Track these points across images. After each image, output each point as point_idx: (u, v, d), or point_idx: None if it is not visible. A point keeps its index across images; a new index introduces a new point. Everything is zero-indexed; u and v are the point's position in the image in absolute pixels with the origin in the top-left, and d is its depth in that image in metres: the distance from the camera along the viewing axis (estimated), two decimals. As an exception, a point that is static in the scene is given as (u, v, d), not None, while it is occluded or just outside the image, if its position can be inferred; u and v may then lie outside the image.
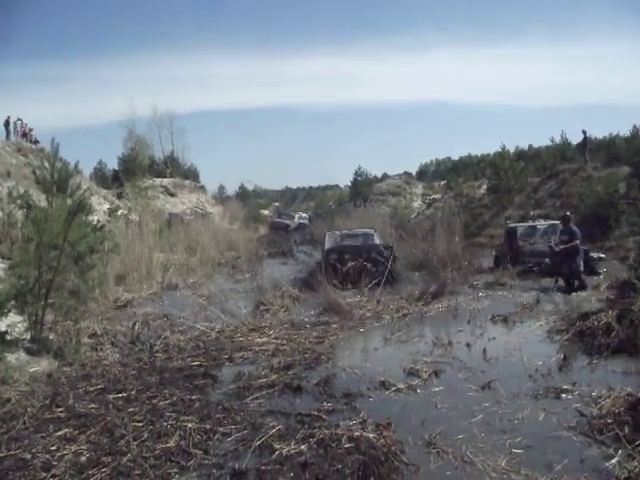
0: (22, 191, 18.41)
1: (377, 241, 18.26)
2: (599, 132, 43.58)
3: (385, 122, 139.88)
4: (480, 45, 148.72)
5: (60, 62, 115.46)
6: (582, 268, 13.53)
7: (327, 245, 18.30)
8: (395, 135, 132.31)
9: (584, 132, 30.23)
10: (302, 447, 5.18)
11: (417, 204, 44.03)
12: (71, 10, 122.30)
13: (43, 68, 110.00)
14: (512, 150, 40.97)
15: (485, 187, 36.76)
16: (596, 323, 8.85)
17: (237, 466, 4.87)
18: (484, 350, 8.52)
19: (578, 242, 13.46)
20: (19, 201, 17.79)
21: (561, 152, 34.66)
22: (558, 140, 35.93)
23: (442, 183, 41.86)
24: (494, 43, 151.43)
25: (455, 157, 61.86)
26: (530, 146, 47.03)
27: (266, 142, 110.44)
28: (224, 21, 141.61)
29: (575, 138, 32.67)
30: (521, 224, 20.58)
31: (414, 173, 61.90)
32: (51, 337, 8.71)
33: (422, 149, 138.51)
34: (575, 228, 13.90)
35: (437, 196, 38.75)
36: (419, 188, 50.54)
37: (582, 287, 13.15)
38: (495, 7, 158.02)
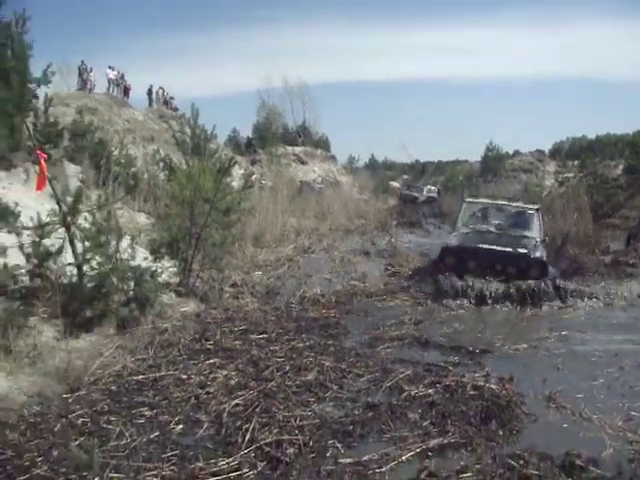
0: (164, 154, 19.57)
1: (538, 240, 11.75)
2: None
3: (517, 98, 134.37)
4: (623, 18, 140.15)
5: (197, 33, 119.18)
6: None
7: (452, 239, 12.10)
8: (528, 111, 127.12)
9: None
10: (429, 390, 5.52)
11: (549, 182, 42.73)
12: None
13: (183, 39, 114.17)
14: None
15: (622, 167, 35.20)
16: None
17: (370, 400, 5.25)
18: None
19: None
20: (162, 163, 18.98)
21: None
22: None
23: (576, 162, 40.45)
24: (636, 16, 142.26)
25: (592, 136, 59.33)
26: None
27: (396, 115, 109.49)
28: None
29: None
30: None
31: (547, 151, 60.04)
32: (197, 284, 9.40)
33: (556, 126, 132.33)
34: None
35: (570, 175, 37.49)
36: (552, 166, 49.17)
37: None
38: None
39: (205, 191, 9.41)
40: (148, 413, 4.85)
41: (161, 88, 37.37)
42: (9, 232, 6.67)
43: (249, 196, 16.16)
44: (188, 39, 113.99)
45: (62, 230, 6.89)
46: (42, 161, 6.74)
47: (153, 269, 7.79)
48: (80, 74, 31.69)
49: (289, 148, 42.61)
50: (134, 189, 15.29)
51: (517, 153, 58.45)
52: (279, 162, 35.31)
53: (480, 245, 11.18)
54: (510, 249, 10.91)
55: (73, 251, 6.89)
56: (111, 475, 3.78)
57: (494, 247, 10.98)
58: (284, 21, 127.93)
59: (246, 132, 45.36)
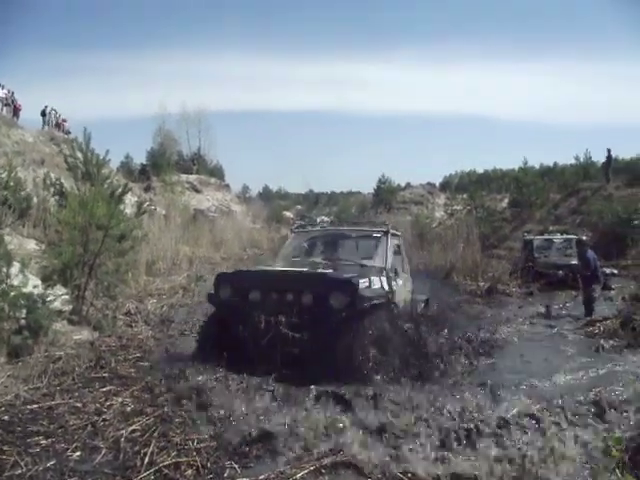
0: (55, 179, 19.14)
1: (382, 269, 8.66)
2: (626, 153, 43.28)
3: (409, 131, 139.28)
4: (511, 59, 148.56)
5: (97, 54, 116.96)
6: (597, 295, 12.74)
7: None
8: (420, 145, 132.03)
9: (609, 150, 30.56)
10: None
11: (439, 214, 44.36)
12: (108, 2, 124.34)
13: (78, 59, 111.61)
14: (537, 166, 41.57)
15: (507, 201, 37.26)
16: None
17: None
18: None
19: (589, 272, 12.56)
20: (53, 188, 18.55)
21: (584, 170, 35.06)
22: (582, 158, 36.27)
23: (465, 195, 42.23)
24: (525, 57, 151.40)
25: (480, 170, 62.22)
26: (555, 164, 47.49)
27: (290, 145, 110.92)
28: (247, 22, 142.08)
29: (601, 157, 32.85)
30: (538, 237, 21.03)
31: (437, 184, 62.39)
32: (91, 311, 9.32)
33: (446, 160, 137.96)
34: (590, 254, 12.82)
35: (459, 207, 39.13)
36: (442, 199, 51.00)
37: (589, 315, 12.14)
38: (526, 23, 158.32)
39: (98, 217, 9.36)
40: (44, 442, 4.85)
41: (53, 109, 36.36)
42: None
43: (142, 223, 16.12)
44: (84, 60, 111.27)
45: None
46: None
47: (45, 296, 7.70)
48: (-34, 91, 30.45)
49: (183, 176, 42.31)
50: (25, 213, 14.91)
51: (409, 186, 60.27)
52: (173, 190, 35.10)
53: (267, 268, 8.74)
54: (306, 270, 8.00)
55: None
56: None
57: (287, 269, 8.27)
58: (187, 47, 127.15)
59: (140, 158, 44.77)
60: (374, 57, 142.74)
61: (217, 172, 52.41)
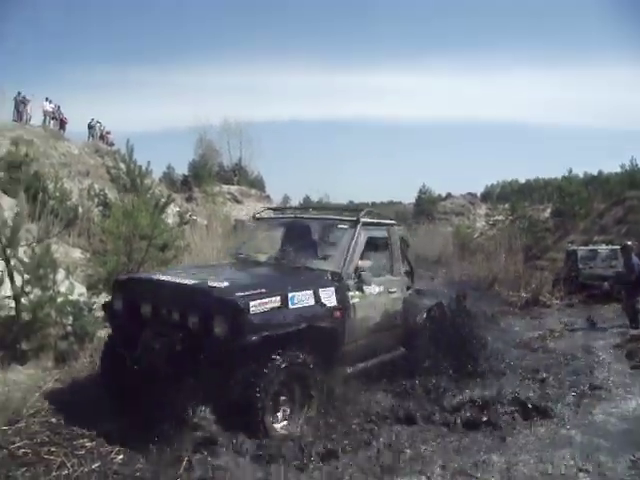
0: (99, 189, 19.56)
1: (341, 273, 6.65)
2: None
3: (449, 140, 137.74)
4: (557, 66, 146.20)
5: (141, 68, 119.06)
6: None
7: None
8: (460, 154, 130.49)
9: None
10: None
11: (480, 225, 44.09)
12: (149, 17, 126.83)
13: (118, 73, 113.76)
14: (581, 175, 40.96)
15: (549, 211, 36.82)
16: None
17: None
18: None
19: (634, 278, 12.08)
20: (97, 199, 18.95)
21: (630, 178, 34.19)
22: (628, 166, 35.44)
23: (506, 205, 41.90)
24: (571, 63, 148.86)
25: (522, 179, 61.66)
26: (600, 172, 46.79)
27: (332, 155, 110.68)
28: (290, 34, 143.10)
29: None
30: (582, 247, 20.67)
31: (478, 194, 62.01)
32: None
33: (487, 170, 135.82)
34: (635, 260, 12.28)
35: (500, 218, 38.86)
36: (483, 209, 50.77)
37: (636, 326, 11.74)
38: (573, 28, 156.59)
39: (142, 227, 9.53)
40: (89, 444, 4.94)
41: (98, 122, 37.20)
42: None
43: (184, 233, 16.30)
44: (125, 73, 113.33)
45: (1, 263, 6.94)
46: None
47: (91, 304, 7.86)
48: (16, 105, 31.29)
49: (225, 187, 42.91)
50: (72, 223, 15.23)
51: (449, 196, 60.10)
52: (214, 200, 35.48)
53: (155, 276, 6.36)
54: (193, 282, 5.82)
55: (12, 284, 6.93)
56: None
57: (171, 279, 6.01)
58: (227, 59, 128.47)
59: (182, 169, 45.46)
60: (410, 65, 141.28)
61: (258, 183, 52.88)
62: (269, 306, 5.43)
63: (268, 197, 51.00)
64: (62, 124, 34.18)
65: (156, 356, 5.35)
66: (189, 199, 35.42)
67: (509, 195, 52.79)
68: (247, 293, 5.38)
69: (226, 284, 5.62)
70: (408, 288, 8.06)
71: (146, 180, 16.40)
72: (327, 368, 5.95)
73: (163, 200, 10.90)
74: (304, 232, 7.59)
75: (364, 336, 6.72)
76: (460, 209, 54.32)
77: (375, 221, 7.79)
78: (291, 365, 5.40)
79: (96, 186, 20.32)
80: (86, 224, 17.08)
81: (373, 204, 78.23)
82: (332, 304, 6.13)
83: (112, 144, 35.43)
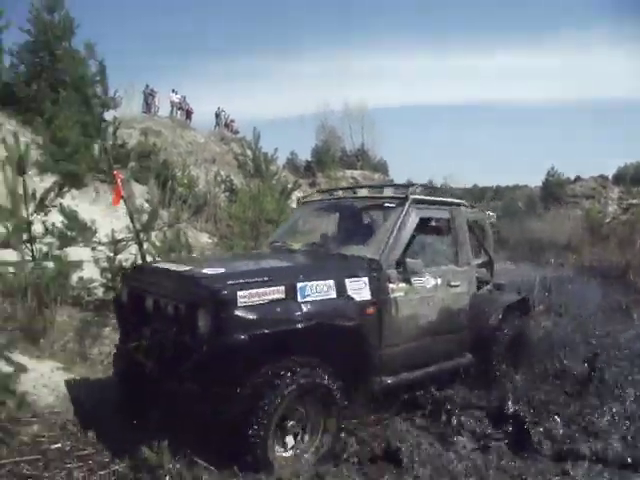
0: (225, 176, 20.16)
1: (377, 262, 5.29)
2: None
3: (577, 121, 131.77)
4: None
5: (256, 56, 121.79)
6: None
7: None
8: (589, 135, 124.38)
9: None
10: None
11: (612, 209, 42.02)
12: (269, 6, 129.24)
13: (241, 62, 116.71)
14: None
15: (691, 194, 34.68)
16: None
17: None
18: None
19: None
20: (223, 185, 19.54)
21: None
22: None
23: (642, 188, 39.89)
24: None
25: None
26: None
27: (455, 138, 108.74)
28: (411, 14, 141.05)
29: None
30: None
31: (610, 176, 59.09)
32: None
33: (619, 151, 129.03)
34: None
35: (635, 201, 36.92)
36: (615, 192, 48.42)
37: None
38: None
39: (268, 212, 9.76)
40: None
41: (222, 111, 38.36)
42: (85, 247, 7.11)
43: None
44: (245, 63, 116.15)
45: (135, 246, 7.29)
46: (119, 182, 7.12)
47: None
48: (145, 98, 32.82)
49: (348, 171, 43.08)
50: (202, 209, 15.82)
51: (578, 179, 57.66)
52: (337, 185, 35.77)
53: (157, 265, 5.77)
54: (185, 269, 4.93)
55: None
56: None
57: (169, 266, 5.18)
58: (341, 45, 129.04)
59: (305, 155, 46.07)
60: (533, 44, 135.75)
61: (381, 167, 52.61)
62: (268, 297, 4.34)
63: (391, 181, 50.80)
64: (188, 114, 35.55)
65: (148, 355, 4.72)
66: (312, 184, 35.81)
67: (645, 177, 50.05)
68: (238, 281, 4.31)
69: (221, 271, 4.66)
70: (486, 283, 6.94)
71: (271, 166, 16.75)
72: (354, 378, 4.96)
73: (290, 186, 11.09)
74: (346, 215, 6.68)
75: (412, 339, 5.48)
76: (590, 192, 51.78)
77: (432, 199, 6.39)
78: (300, 377, 4.34)
79: (222, 173, 20.95)
80: (213, 209, 17.65)
81: (498, 187, 76.57)
82: (363, 298, 4.95)
83: (237, 132, 36.41)
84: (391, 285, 5.23)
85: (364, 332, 4.89)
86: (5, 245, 6.14)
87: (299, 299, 4.50)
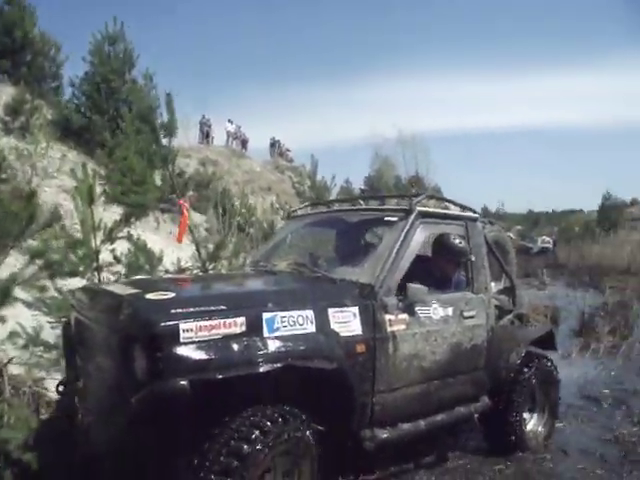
0: (283, 203, 20.28)
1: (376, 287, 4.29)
2: None
3: (632, 144, 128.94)
4: None
5: (307, 86, 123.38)
6: None
7: None
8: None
9: None
10: None
11: (674, 232, 40.86)
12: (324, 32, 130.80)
13: (306, 92, 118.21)
14: None
15: None
16: None
17: None
18: None
19: None
20: (282, 212, 19.64)
21: None
22: None
23: None
24: None
25: None
26: None
27: (506, 164, 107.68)
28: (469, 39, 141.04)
29: None
30: None
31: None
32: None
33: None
34: None
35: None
36: (676, 216, 47.15)
37: None
38: None
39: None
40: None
41: (277, 140, 38.82)
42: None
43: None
44: (296, 93, 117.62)
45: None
46: (185, 211, 7.10)
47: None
48: (201, 127, 33.44)
49: (401, 199, 42.94)
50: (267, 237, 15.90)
51: (635, 202, 56.45)
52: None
53: (106, 286, 4.49)
54: (127, 292, 3.77)
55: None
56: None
57: (114, 288, 4.07)
58: (397, 72, 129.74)
59: (357, 182, 46.18)
60: (585, 66, 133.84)
61: (435, 194, 52.17)
62: (221, 331, 3.37)
63: (445, 208, 50.42)
64: (244, 143, 36.10)
65: (81, 399, 4.03)
66: (366, 212, 35.91)
67: None
68: (183, 310, 3.34)
69: (169, 296, 3.60)
70: (509, 312, 5.87)
71: (328, 194, 16.78)
72: (339, 432, 4.04)
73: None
74: (340, 230, 5.76)
75: (414, 382, 4.48)
76: (649, 215, 50.75)
77: (443, 212, 5.45)
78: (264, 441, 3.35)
79: (281, 201, 21.08)
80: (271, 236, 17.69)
81: (553, 212, 75.37)
82: (351, 332, 3.98)
83: (291, 160, 36.77)
84: (388, 316, 4.24)
85: (351, 376, 3.91)
86: (74, 274, 6.15)
87: (265, 334, 3.54)
